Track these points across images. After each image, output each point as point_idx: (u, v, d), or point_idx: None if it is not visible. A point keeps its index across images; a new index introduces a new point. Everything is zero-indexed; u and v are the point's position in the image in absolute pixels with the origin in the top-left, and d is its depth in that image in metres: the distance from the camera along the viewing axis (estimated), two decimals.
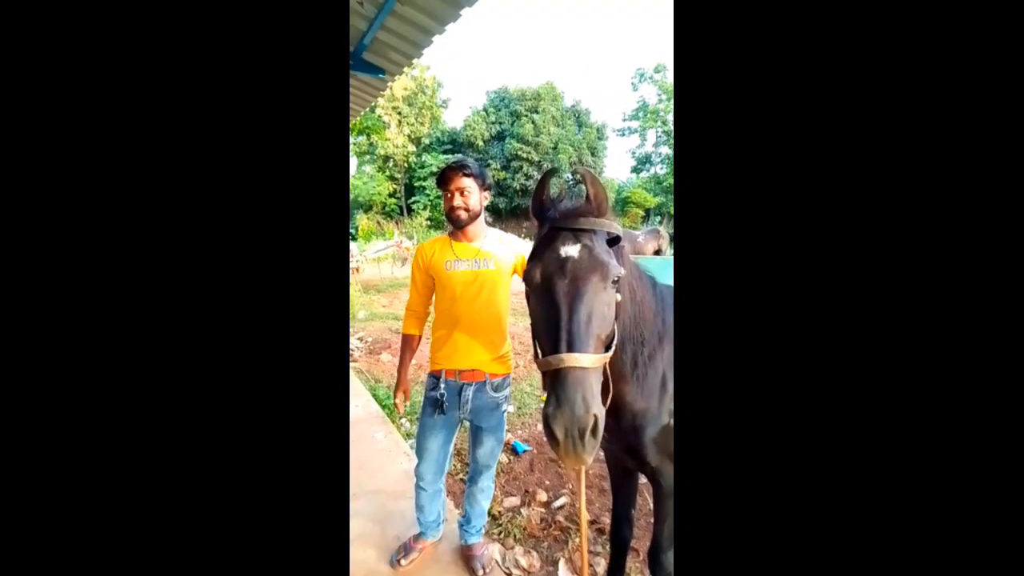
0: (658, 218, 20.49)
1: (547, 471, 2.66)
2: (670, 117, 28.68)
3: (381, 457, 2.60)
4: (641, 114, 30.50)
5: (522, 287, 1.13)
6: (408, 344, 1.64)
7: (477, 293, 1.50)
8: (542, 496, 2.38)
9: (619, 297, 1.01)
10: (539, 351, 0.99)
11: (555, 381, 0.88)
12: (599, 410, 0.87)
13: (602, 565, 1.94)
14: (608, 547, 1.97)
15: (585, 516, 1.38)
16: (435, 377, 1.55)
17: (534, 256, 1.03)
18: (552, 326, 0.93)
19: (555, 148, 25.34)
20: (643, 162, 31.43)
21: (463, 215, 1.50)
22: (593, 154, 27.20)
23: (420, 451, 1.61)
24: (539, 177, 1.09)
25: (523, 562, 1.93)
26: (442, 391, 1.52)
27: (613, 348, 0.99)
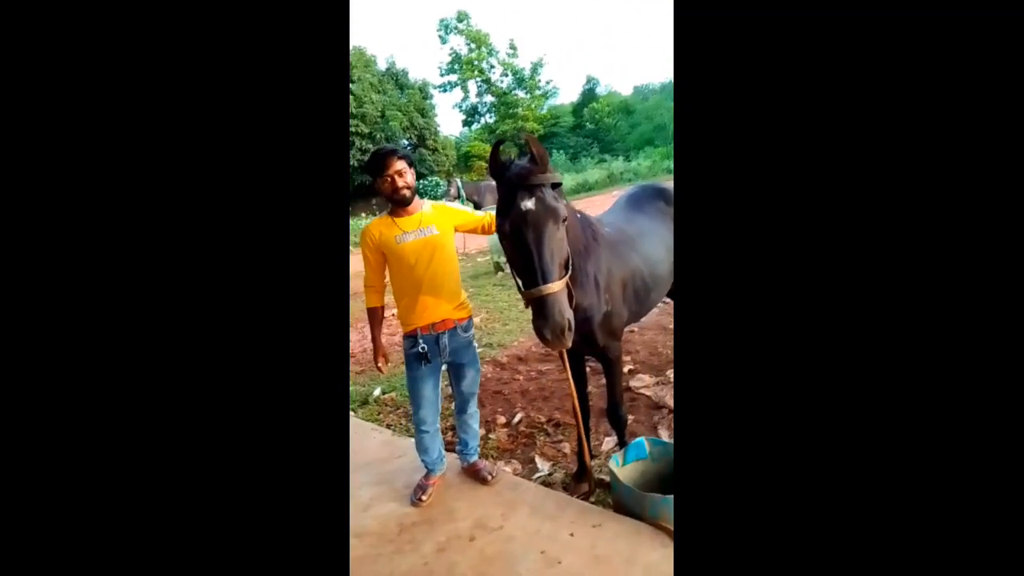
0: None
1: (496, 402, 3.11)
2: (485, 65, 29.14)
3: (355, 437, 2.80)
4: (457, 66, 30.43)
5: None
6: (375, 316, 1.91)
7: (431, 257, 1.79)
8: (501, 420, 2.84)
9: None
10: (520, 284, 1.40)
11: (537, 304, 1.33)
12: (569, 314, 1.34)
13: (568, 448, 2.49)
14: (565, 434, 2.52)
15: (573, 388, 1.85)
16: (412, 337, 1.83)
17: (501, 212, 1.39)
18: (527, 266, 1.34)
19: (383, 116, 24.36)
20: (471, 114, 31.77)
21: (407, 193, 1.76)
22: (423, 115, 26.75)
23: (417, 400, 1.90)
24: (491, 147, 1.44)
25: (508, 469, 2.39)
26: (422, 345, 1.81)
27: (570, 268, 1.42)
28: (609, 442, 2.43)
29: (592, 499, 2.02)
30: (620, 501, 1.67)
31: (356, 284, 1.93)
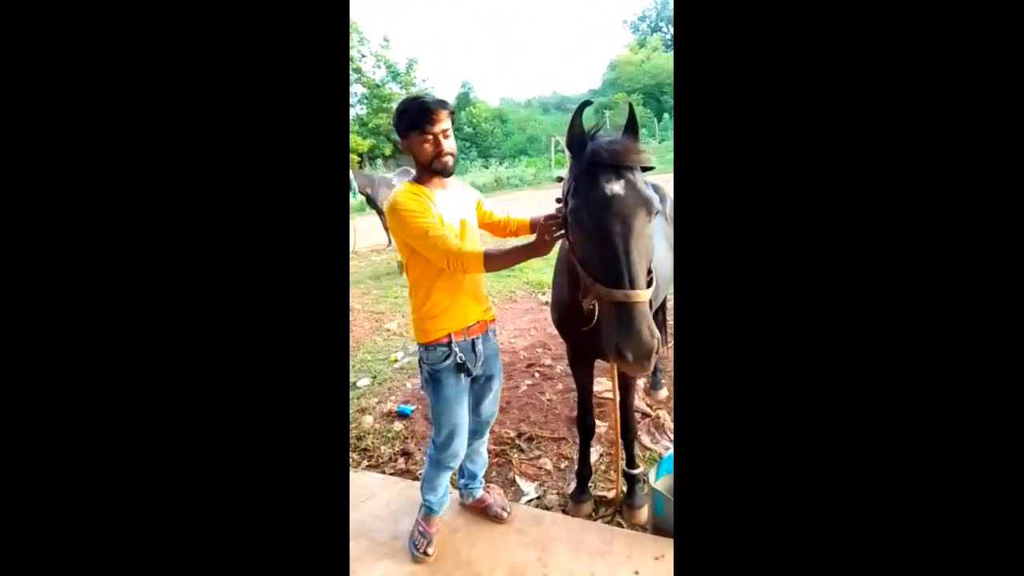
0: (377, 160, 20.15)
1: None
2: (356, 53, 27.38)
3: None
4: None
5: None
6: (494, 253, 1.26)
7: (474, 244, 1.43)
8: None
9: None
10: (588, 279, 1.09)
11: (620, 313, 1.02)
12: (657, 332, 1.04)
13: (550, 464, 2.26)
14: (541, 448, 2.29)
15: (616, 401, 1.60)
16: (442, 345, 1.42)
17: (577, 193, 1.09)
18: (611, 263, 1.04)
19: None
20: None
21: (451, 161, 1.35)
22: None
23: (451, 426, 1.48)
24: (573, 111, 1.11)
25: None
26: (459, 354, 1.43)
27: (654, 278, 1.13)
28: (593, 454, 2.26)
29: (602, 521, 1.83)
30: (663, 522, 1.50)
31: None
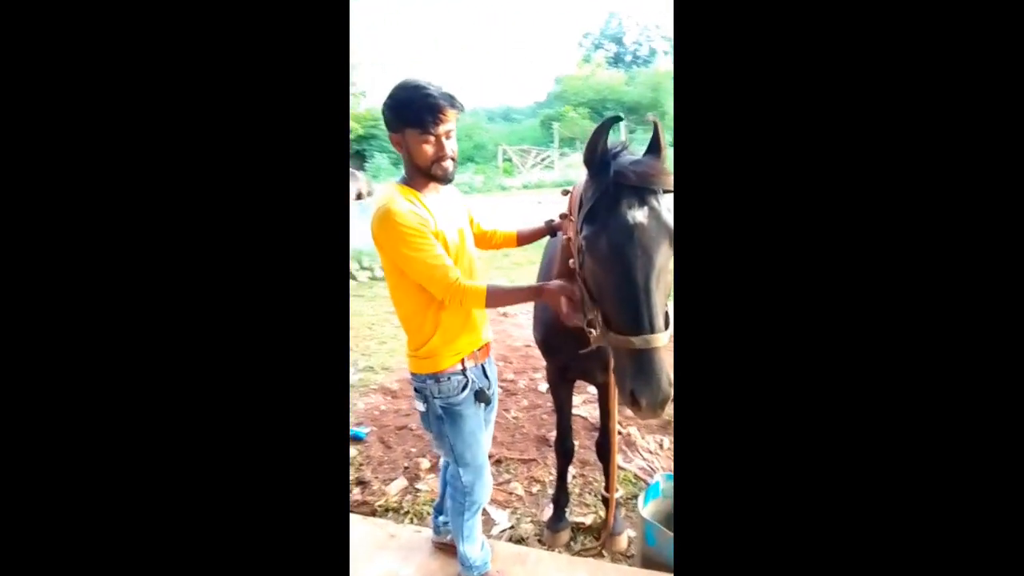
0: None
1: (405, 440, 2.55)
2: None
3: None
4: None
5: None
6: (497, 290, 1.13)
7: (471, 260, 1.27)
8: (425, 463, 2.31)
9: None
10: (602, 323, 0.98)
11: (639, 359, 0.91)
12: (672, 378, 0.92)
13: (521, 488, 2.13)
14: (511, 470, 2.17)
15: (614, 420, 1.48)
16: (460, 373, 1.24)
17: (594, 217, 0.97)
18: (629, 303, 0.93)
19: None
20: None
21: (451, 167, 1.16)
22: None
23: (480, 464, 1.31)
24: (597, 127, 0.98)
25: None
26: (474, 381, 1.25)
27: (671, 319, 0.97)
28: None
29: (581, 549, 1.73)
30: (656, 554, 1.42)
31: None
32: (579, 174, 1.14)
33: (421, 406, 1.30)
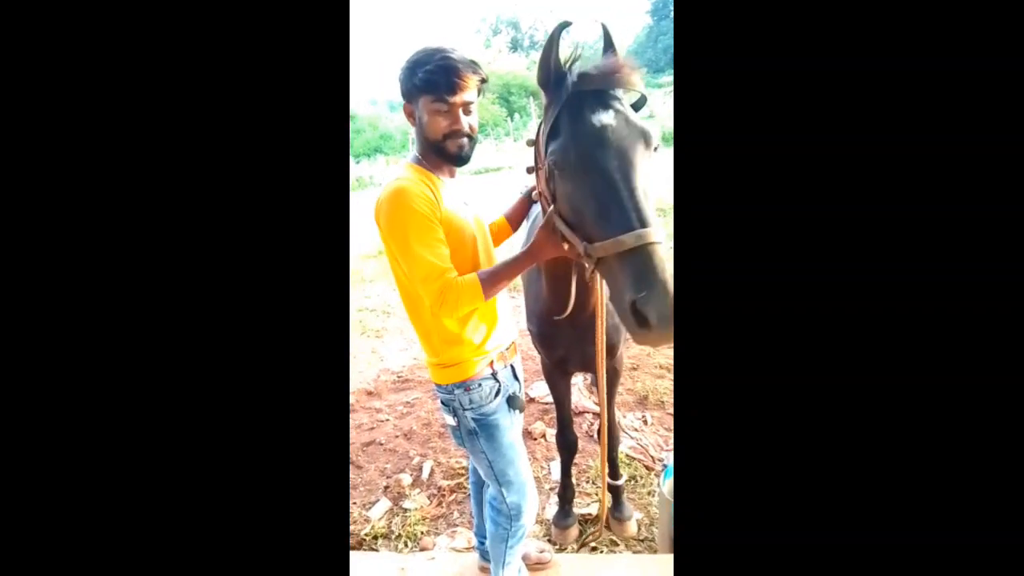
0: None
1: (377, 455, 2.34)
2: None
3: None
4: None
5: None
6: (492, 271, 1.00)
7: (489, 249, 1.13)
8: (406, 479, 2.12)
9: None
10: (585, 239, 0.86)
11: (633, 263, 0.78)
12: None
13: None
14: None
15: (605, 410, 1.40)
16: (490, 377, 1.09)
17: (558, 132, 0.88)
18: (614, 205, 0.81)
19: None
20: None
21: (467, 144, 1.01)
22: None
23: (524, 482, 1.16)
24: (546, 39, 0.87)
25: (456, 545, 1.77)
26: (506, 386, 1.11)
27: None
28: (555, 469, 2.10)
29: (594, 542, 1.68)
30: None
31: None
32: (488, 160, 1.06)
33: (451, 420, 1.14)
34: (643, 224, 0.79)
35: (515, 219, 1.38)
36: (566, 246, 0.95)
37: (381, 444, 2.42)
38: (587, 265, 0.88)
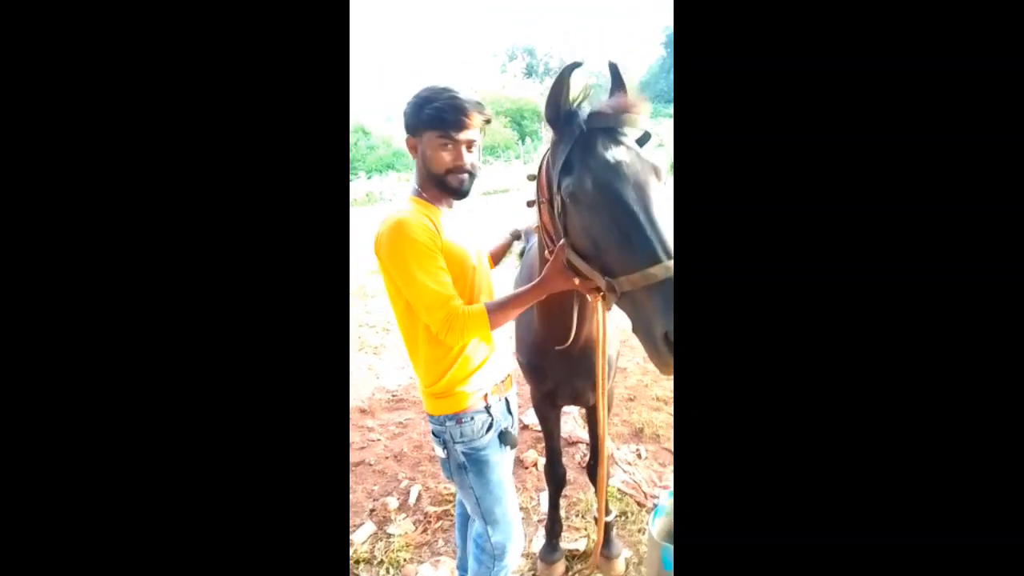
0: None
1: (362, 477, 2.30)
2: None
3: None
4: None
5: None
6: (494, 306, 0.99)
7: (490, 282, 1.14)
8: (393, 503, 2.08)
9: None
10: (606, 272, 0.87)
11: (667, 294, 0.79)
12: None
13: None
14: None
15: (604, 439, 1.37)
16: (483, 411, 1.08)
17: (571, 167, 0.89)
18: (637, 235, 0.83)
19: None
20: None
21: (468, 180, 1.04)
22: None
23: (511, 521, 1.13)
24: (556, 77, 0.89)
25: (436, 573, 1.73)
26: (499, 421, 1.09)
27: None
28: (543, 500, 2.05)
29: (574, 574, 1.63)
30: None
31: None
32: (497, 182, 1.08)
33: (441, 452, 1.13)
34: (668, 256, 0.81)
35: (496, 257, 1.46)
36: (577, 280, 0.95)
37: (370, 465, 2.38)
38: (608, 297, 0.89)
